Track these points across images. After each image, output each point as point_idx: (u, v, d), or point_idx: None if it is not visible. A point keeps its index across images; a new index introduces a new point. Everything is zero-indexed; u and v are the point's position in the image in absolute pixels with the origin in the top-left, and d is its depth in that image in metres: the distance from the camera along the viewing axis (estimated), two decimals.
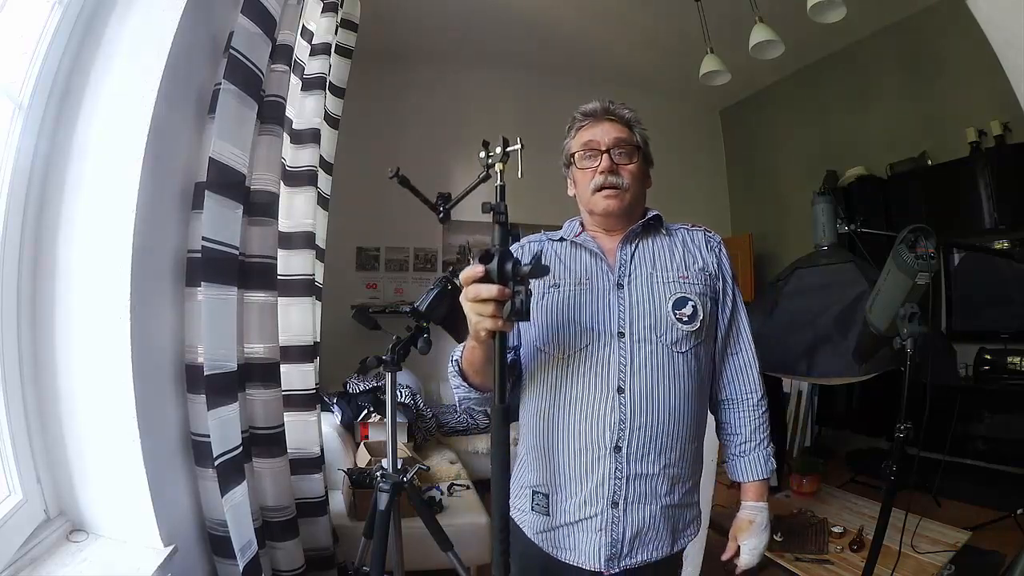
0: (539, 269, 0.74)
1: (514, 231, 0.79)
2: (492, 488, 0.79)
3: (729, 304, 1.00)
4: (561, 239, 1.03)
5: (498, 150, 0.76)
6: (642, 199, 1.02)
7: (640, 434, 0.88)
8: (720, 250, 1.01)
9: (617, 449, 0.88)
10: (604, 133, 0.98)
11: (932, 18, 3.26)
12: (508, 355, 0.97)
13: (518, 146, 0.76)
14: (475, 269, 0.73)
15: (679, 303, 0.92)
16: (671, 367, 0.90)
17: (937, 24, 3.22)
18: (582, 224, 1.05)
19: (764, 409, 1.02)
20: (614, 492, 0.89)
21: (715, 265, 0.99)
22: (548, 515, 0.93)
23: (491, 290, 0.72)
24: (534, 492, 0.95)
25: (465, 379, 0.93)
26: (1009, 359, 2.74)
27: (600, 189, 0.96)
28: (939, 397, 1.48)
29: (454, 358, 0.93)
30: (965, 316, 3.03)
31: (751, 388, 1.01)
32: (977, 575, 1.77)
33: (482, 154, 0.78)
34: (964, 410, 2.55)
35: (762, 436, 1.01)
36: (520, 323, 0.95)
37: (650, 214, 1.02)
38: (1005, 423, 2.76)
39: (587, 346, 0.91)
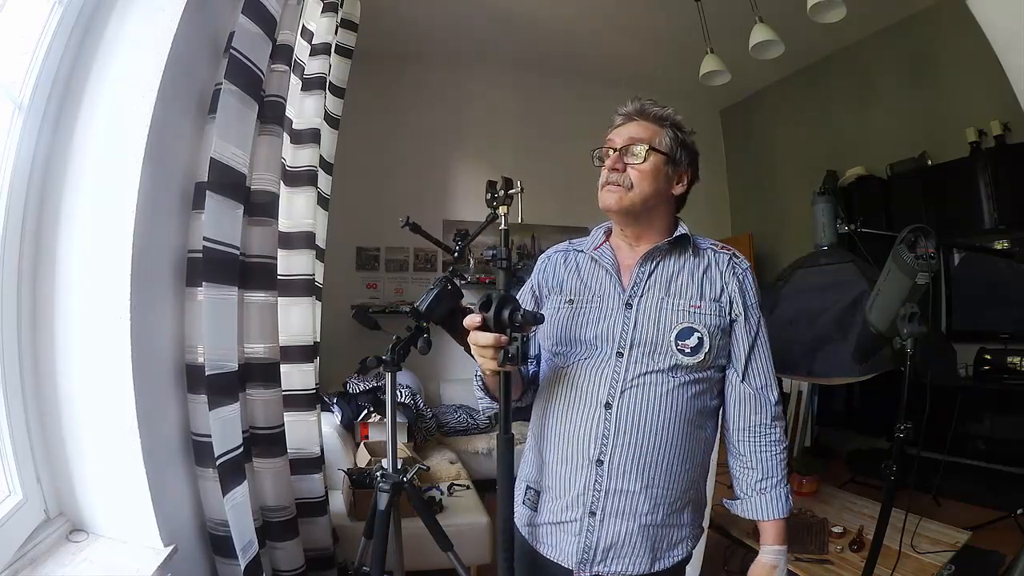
0: (533, 319, 0.80)
1: (519, 274, 0.83)
2: (499, 514, 0.90)
3: (743, 333, 0.95)
4: (582, 250, 1.03)
5: (501, 193, 0.82)
6: (660, 205, 0.97)
7: (623, 451, 0.89)
8: (745, 277, 0.97)
9: (599, 462, 0.89)
10: (624, 132, 0.96)
11: (932, 18, 3.27)
12: (530, 367, 1.03)
13: (518, 189, 0.82)
14: (474, 318, 0.80)
15: (684, 333, 0.90)
16: (665, 392, 0.90)
17: (937, 24, 3.23)
18: (608, 232, 1.03)
19: (777, 438, 0.96)
20: (593, 502, 0.90)
21: (733, 292, 0.95)
22: (535, 511, 0.97)
23: (488, 339, 0.78)
24: (527, 487, 1.00)
25: (488, 393, 0.98)
26: (1009, 359, 2.74)
27: (605, 186, 0.95)
28: (939, 397, 1.48)
29: (478, 374, 0.97)
30: (965, 316, 3.03)
31: (763, 419, 0.95)
32: (977, 575, 1.77)
33: (488, 195, 0.83)
34: (964, 410, 2.55)
35: (783, 473, 0.96)
36: (536, 333, 1.02)
37: (678, 231, 0.97)
38: (1005, 423, 2.76)
39: (586, 360, 0.93)
